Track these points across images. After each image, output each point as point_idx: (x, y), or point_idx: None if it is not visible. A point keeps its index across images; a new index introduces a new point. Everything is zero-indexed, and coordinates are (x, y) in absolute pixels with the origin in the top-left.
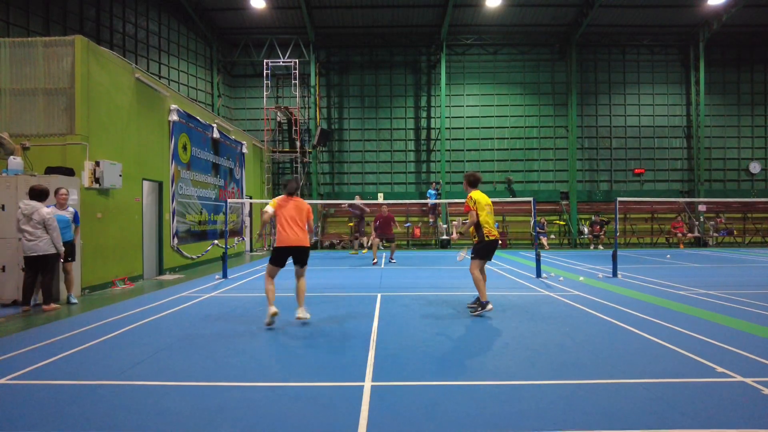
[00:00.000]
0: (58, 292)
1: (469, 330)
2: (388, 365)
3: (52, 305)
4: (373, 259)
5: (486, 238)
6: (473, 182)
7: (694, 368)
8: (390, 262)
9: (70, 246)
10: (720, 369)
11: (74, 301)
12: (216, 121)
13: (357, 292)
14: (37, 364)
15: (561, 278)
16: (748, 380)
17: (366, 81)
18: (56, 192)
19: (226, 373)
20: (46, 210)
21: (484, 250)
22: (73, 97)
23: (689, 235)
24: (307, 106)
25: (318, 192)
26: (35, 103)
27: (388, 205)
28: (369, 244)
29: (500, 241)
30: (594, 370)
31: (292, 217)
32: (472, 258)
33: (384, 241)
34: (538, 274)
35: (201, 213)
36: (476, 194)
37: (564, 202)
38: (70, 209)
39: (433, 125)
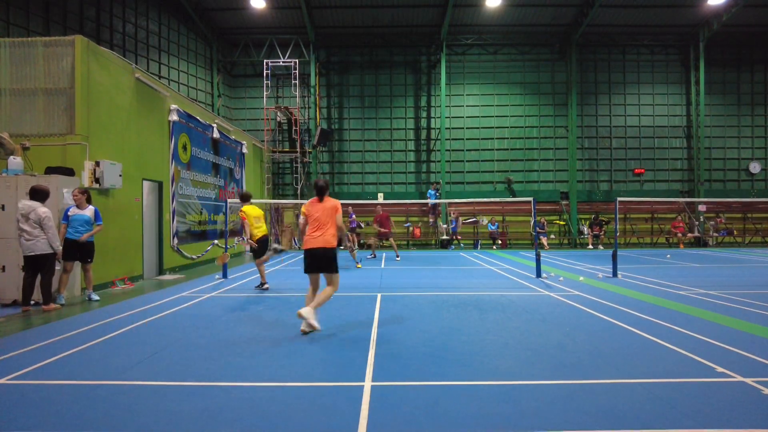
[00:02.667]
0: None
1: (469, 330)
2: (388, 365)
3: (52, 305)
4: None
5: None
6: (244, 198)
7: (694, 368)
8: (395, 260)
9: (91, 246)
10: (720, 369)
11: (96, 297)
12: (216, 121)
13: (357, 292)
14: (37, 364)
15: (561, 278)
16: (748, 380)
17: (366, 81)
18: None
19: (226, 373)
20: (43, 209)
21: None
22: (73, 97)
23: (689, 235)
24: (307, 106)
25: None
26: (35, 103)
27: (388, 205)
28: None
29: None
30: (594, 370)
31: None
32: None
33: (384, 240)
34: (538, 274)
35: (201, 213)
36: (246, 207)
37: (564, 202)
38: (90, 207)
39: (433, 125)
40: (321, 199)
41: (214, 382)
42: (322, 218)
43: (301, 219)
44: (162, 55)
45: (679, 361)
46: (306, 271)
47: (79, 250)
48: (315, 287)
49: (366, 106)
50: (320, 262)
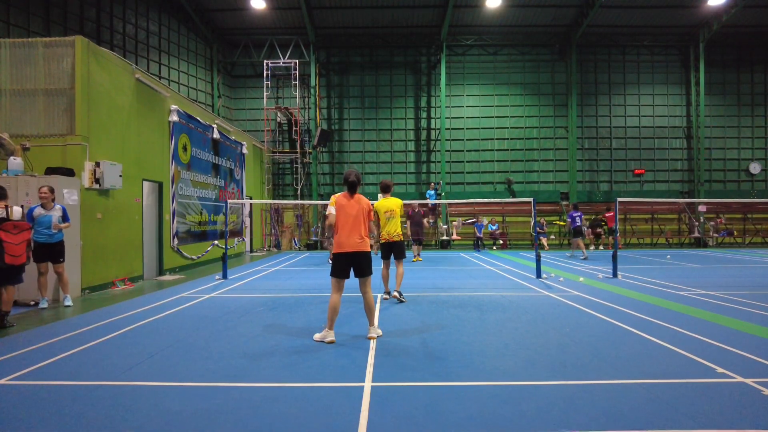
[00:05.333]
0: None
1: (468, 330)
2: (388, 365)
3: None
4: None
5: None
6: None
7: (695, 369)
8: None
9: (61, 246)
10: (720, 369)
11: (69, 303)
12: (216, 121)
13: (356, 292)
14: (37, 364)
15: (561, 279)
16: (749, 381)
17: (366, 81)
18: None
19: (226, 373)
20: None
21: None
22: (74, 98)
23: (690, 235)
24: (307, 106)
25: (318, 192)
26: (35, 104)
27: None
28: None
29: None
30: (594, 370)
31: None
32: None
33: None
34: (538, 275)
35: (201, 213)
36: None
37: (564, 203)
38: (58, 207)
39: (433, 125)
40: (352, 195)
41: (214, 382)
42: (356, 216)
43: (332, 210)
44: (162, 55)
45: (679, 362)
46: (337, 275)
47: (49, 251)
48: (341, 292)
49: (366, 106)
50: (359, 266)
